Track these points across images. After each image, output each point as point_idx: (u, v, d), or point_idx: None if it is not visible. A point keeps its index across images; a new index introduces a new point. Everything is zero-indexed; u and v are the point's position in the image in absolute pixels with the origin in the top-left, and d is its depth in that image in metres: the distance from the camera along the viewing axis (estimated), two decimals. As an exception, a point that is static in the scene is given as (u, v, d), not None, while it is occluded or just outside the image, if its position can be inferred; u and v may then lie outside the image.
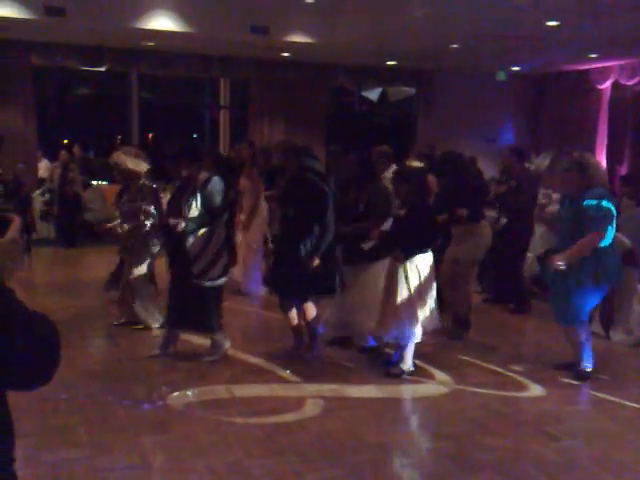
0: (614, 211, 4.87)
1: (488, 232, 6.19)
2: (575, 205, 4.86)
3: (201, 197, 5.04)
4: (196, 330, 5.39)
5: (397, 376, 4.97)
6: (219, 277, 5.17)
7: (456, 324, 6.10)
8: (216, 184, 5.11)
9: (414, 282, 4.93)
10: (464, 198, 5.99)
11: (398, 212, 5.11)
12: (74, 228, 10.89)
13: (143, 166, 5.90)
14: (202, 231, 5.06)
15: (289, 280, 5.17)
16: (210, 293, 5.12)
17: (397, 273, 4.94)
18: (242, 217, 7.52)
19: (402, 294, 4.92)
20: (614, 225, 4.88)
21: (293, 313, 5.34)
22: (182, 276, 5.10)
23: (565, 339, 5.23)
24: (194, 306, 5.13)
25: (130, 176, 5.87)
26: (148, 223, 5.82)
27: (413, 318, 4.92)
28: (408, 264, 4.92)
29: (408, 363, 5.03)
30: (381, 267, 5.16)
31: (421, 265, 4.97)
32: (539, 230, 6.91)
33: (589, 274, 4.82)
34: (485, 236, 6.13)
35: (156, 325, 6.00)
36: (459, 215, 5.90)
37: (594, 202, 4.75)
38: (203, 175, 5.12)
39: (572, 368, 5.12)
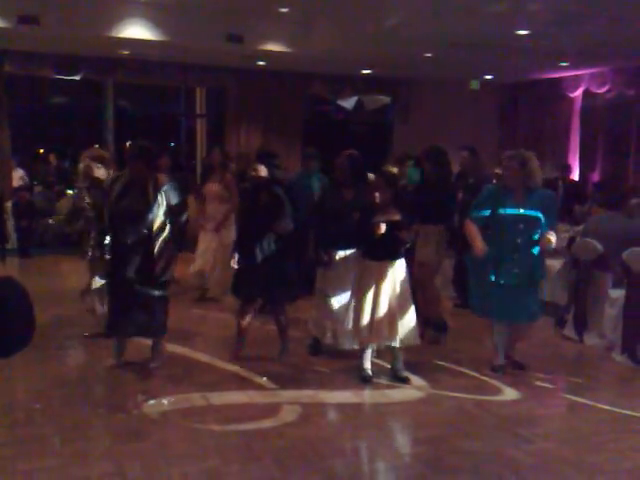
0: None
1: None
2: None
3: (165, 198, 5.03)
4: (144, 335, 5.28)
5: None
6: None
7: (433, 328, 6.09)
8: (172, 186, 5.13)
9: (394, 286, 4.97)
10: (442, 191, 6.05)
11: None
12: (28, 237, 10.70)
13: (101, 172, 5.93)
14: (164, 235, 5.00)
15: (262, 285, 5.22)
16: (161, 299, 5.11)
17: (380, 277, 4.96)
18: (207, 224, 7.50)
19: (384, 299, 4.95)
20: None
21: (249, 318, 5.39)
22: (128, 280, 4.97)
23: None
24: (143, 311, 5.06)
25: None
26: None
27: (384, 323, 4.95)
28: (396, 267, 4.97)
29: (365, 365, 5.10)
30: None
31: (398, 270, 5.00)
32: None
33: (541, 270, 5.22)
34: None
35: None
36: None
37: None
38: (162, 177, 5.16)
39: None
